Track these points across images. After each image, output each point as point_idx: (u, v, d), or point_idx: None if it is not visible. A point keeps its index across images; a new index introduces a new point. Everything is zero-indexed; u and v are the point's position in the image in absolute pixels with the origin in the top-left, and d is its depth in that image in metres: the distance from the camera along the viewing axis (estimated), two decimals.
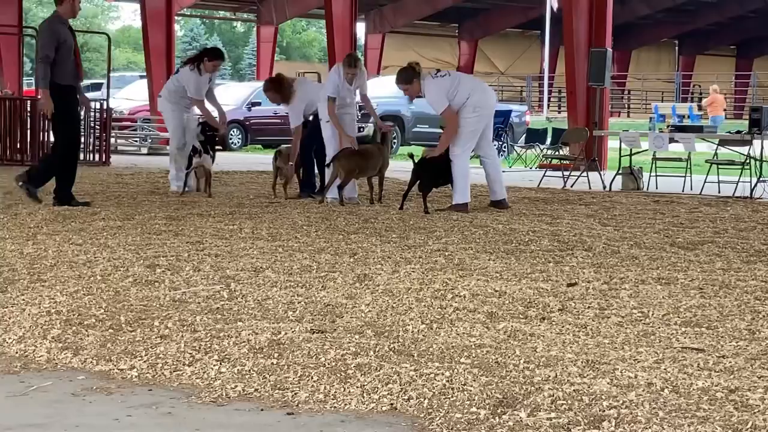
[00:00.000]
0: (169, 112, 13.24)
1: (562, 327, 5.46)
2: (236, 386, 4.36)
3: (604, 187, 15.69)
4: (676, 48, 57.89)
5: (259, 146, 27.80)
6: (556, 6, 36.38)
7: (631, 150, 16.08)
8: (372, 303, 5.97)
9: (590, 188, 15.62)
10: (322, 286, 6.49)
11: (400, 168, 15.44)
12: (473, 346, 4.95)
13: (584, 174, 16.35)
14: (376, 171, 12.05)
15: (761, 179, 14.74)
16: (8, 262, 7.25)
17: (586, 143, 17.96)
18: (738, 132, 16.01)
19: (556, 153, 19.61)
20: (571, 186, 15.83)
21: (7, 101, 19.24)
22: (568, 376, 4.43)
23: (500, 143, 23.32)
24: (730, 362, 4.74)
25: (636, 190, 15.41)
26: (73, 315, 5.55)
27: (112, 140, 21.75)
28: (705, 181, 15.24)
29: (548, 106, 48.01)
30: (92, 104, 18.28)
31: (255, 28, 45.03)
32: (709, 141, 16.50)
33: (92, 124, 19.16)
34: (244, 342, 4.98)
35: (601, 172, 17.02)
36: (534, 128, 25.31)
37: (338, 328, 5.34)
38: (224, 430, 3.91)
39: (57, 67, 10.73)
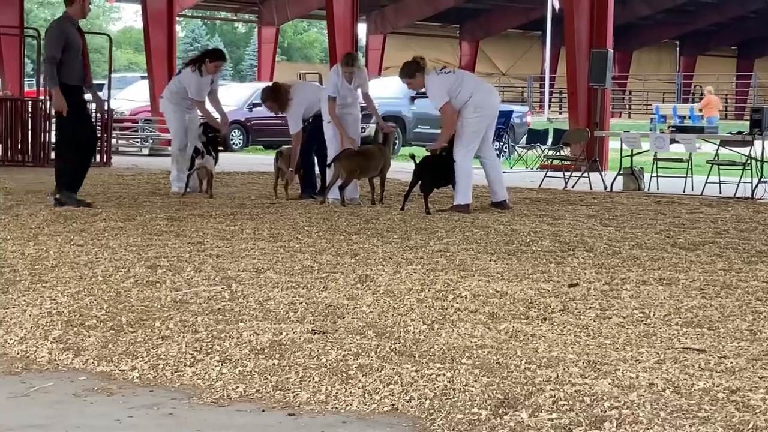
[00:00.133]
0: (170, 113, 13.24)
1: (564, 327, 5.46)
2: (237, 387, 4.36)
3: (605, 188, 15.70)
4: (677, 48, 57.91)
5: (260, 147, 27.81)
6: (557, 7, 36.38)
7: (632, 151, 16.09)
8: (373, 304, 5.97)
9: (591, 189, 15.62)
10: (324, 287, 6.49)
11: (401, 169, 15.45)
12: (474, 347, 4.95)
13: (585, 175, 16.35)
14: (377, 172, 12.05)
15: (762, 180, 14.74)
16: (10, 262, 7.25)
17: (587, 144, 17.96)
18: (739, 133, 16.01)
19: (557, 154, 19.62)
20: (572, 187, 15.82)
21: (8, 102, 19.25)
22: (570, 376, 4.43)
23: (501, 144, 23.34)
24: (731, 363, 4.73)
25: (637, 190, 15.41)
26: (75, 316, 5.55)
27: (113, 141, 21.77)
28: (706, 182, 15.24)
29: (549, 106, 48.03)
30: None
31: (256, 29, 45.08)
32: (710, 142, 16.51)
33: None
34: (245, 343, 4.98)
35: (602, 173, 17.02)
36: (535, 129, 25.32)
37: (339, 328, 5.34)
38: (225, 430, 3.91)
39: (64, 67, 10.74)
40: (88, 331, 5.24)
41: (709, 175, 15.61)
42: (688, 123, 33.16)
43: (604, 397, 4.12)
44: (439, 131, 12.58)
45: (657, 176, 15.89)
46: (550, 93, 48.98)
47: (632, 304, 6.11)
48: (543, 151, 21.62)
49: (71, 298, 6.01)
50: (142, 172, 16.80)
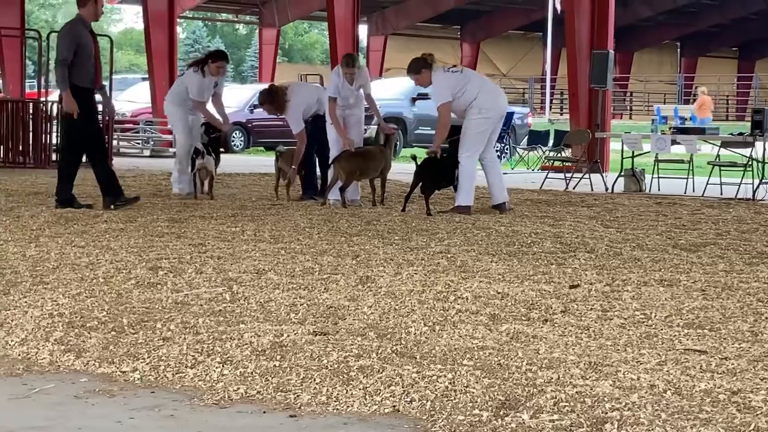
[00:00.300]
0: (174, 115, 13.25)
1: (565, 329, 5.46)
2: (239, 388, 4.36)
3: (607, 189, 15.70)
4: (678, 50, 57.90)
5: (261, 148, 27.82)
6: (559, 8, 36.40)
7: (633, 152, 16.09)
8: (374, 305, 5.97)
9: (592, 190, 15.62)
10: (325, 288, 6.49)
11: (402, 170, 15.45)
12: (476, 348, 4.95)
13: (586, 176, 16.36)
14: (377, 173, 12.03)
15: (763, 181, 14.74)
16: (11, 264, 7.25)
17: (588, 145, 17.97)
18: (740, 134, 16.01)
19: (559, 155, 19.62)
20: (574, 188, 15.83)
21: (10, 104, 19.26)
22: (571, 378, 4.43)
23: (503, 145, 23.34)
24: (732, 364, 4.73)
25: (638, 191, 15.42)
26: (76, 317, 5.55)
27: (114, 142, 21.77)
28: (707, 183, 15.25)
29: (550, 107, 48.04)
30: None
31: (257, 31, 45.11)
32: (711, 143, 16.51)
33: None
34: (246, 344, 4.98)
35: (604, 174, 17.02)
36: (536, 130, 25.33)
37: (341, 330, 5.34)
38: None
39: (75, 69, 10.74)
40: (89, 333, 5.24)
41: (710, 176, 15.61)
42: (689, 124, 33.17)
43: (606, 399, 4.12)
44: None
45: (658, 177, 15.89)
46: (551, 94, 48.99)
47: (633, 305, 6.11)
48: (544, 152, 21.63)
49: (72, 300, 6.01)
50: (143, 174, 16.81)
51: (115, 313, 5.67)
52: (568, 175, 16.41)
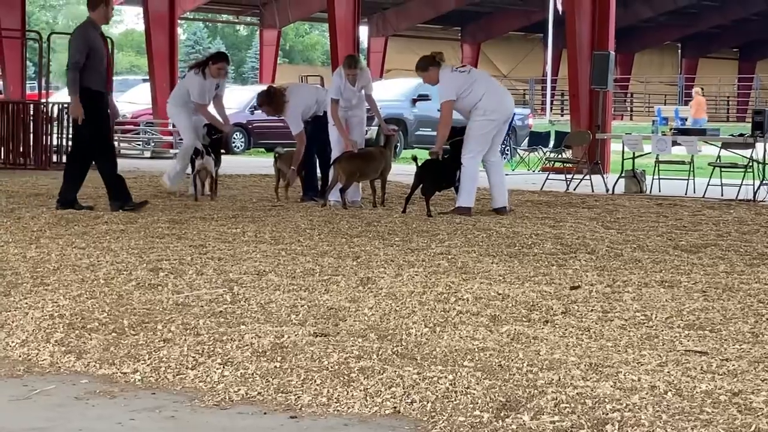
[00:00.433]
0: (177, 114, 13.27)
1: (566, 330, 5.46)
2: (239, 390, 4.36)
3: (607, 190, 15.70)
4: (679, 51, 57.91)
5: (262, 149, 27.82)
6: (560, 8, 36.40)
7: (633, 153, 16.09)
8: (375, 306, 5.97)
9: (593, 191, 15.62)
10: (325, 290, 6.49)
11: (402, 171, 15.45)
12: (476, 350, 4.95)
13: (587, 177, 16.36)
14: (377, 174, 12.03)
15: (764, 182, 14.73)
16: (11, 265, 7.26)
17: (588, 146, 17.96)
18: (741, 135, 16.01)
19: (559, 156, 19.62)
20: (574, 189, 15.82)
21: (10, 105, 19.27)
22: (572, 379, 4.43)
23: (503, 146, 23.29)
24: (733, 365, 4.73)
25: (639, 193, 15.42)
26: (76, 319, 5.55)
27: (115, 144, 21.74)
28: (708, 184, 15.24)
29: (551, 109, 48.04)
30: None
31: (258, 32, 45.11)
32: (711, 144, 16.50)
33: None
34: (247, 345, 4.98)
35: (604, 175, 17.01)
36: (537, 131, 25.34)
37: (341, 331, 5.34)
38: None
39: (87, 72, 10.72)
40: (89, 334, 5.24)
41: (711, 177, 15.60)
42: (689, 125, 33.15)
43: (606, 400, 4.12)
44: None
45: (659, 178, 15.90)
46: (552, 95, 48.98)
47: (634, 306, 6.11)
48: (545, 153, 21.64)
49: (73, 301, 6.01)
50: (143, 175, 16.80)
51: (116, 314, 5.67)
52: (569, 176, 16.41)
